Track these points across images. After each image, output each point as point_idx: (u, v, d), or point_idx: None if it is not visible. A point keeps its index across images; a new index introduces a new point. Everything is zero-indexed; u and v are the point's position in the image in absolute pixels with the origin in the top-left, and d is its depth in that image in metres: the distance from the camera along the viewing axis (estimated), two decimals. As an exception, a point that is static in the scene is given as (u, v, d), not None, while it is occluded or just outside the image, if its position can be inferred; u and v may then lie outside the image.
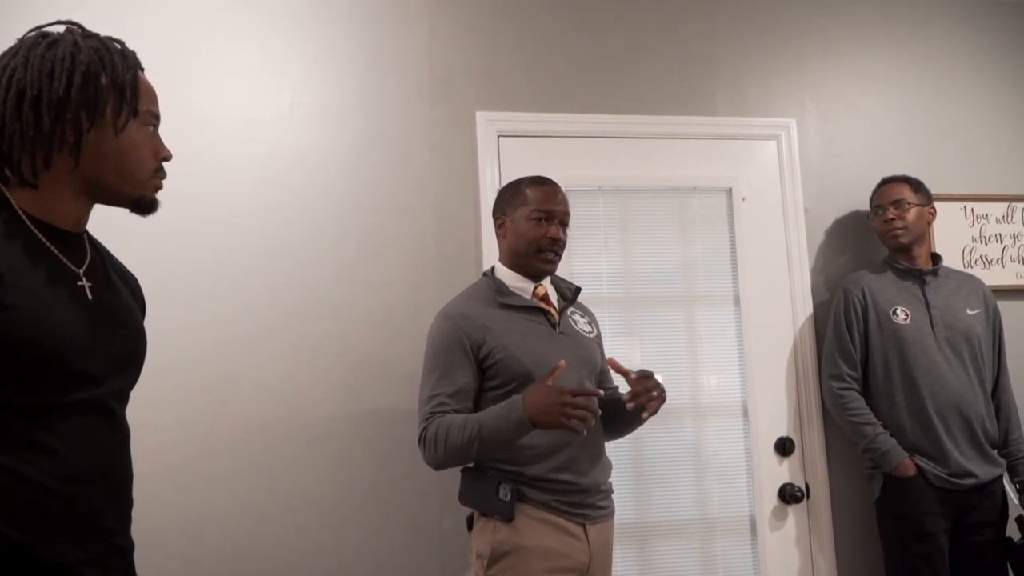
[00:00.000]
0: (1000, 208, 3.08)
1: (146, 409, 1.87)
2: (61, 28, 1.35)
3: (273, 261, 2.53)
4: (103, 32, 1.37)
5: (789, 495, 2.75)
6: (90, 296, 1.32)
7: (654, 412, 2.01)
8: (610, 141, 2.81)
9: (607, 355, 2.33)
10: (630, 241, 2.83)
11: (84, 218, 1.37)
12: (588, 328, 2.27)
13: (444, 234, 2.65)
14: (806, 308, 2.87)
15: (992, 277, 2.97)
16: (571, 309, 2.25)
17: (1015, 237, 3.08)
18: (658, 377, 2.04)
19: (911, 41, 3.11)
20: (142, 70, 1.39)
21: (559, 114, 2.77)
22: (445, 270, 2.61)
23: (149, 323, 1.50)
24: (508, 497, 1.99)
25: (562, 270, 2.25)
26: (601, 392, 1.91)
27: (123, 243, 1.62)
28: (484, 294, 2.16)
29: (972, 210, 3.05)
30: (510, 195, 2.20)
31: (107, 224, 1.55)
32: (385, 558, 2.48)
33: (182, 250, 2.46)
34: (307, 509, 2.46)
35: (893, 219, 2.72)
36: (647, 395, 1.98)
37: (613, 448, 2.31)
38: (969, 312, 2.71)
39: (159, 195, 1.40)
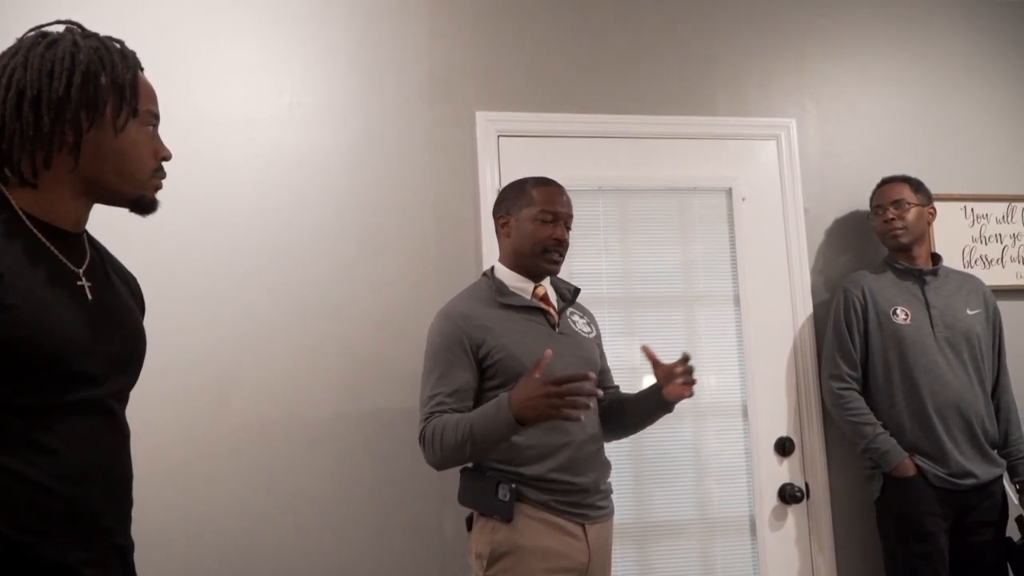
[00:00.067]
0: (1000, 208, 3.08)
1: (146, 409, 1.87)
2: (60, 28, 1.35)
3: (273, 261, 2.53)
4: (103, 32, 1.37)
5: (789, 495, 2.75)
6: (90, 296, 1.32)
7: (681, 397, 2.10)
8: (610, 141, 2.81)
9: (607, 354, 2.35)
10: (630, 241, 2.83)
11: (84, 218, 1.37)
12: (587, 329, 2.27)
13: (444, 234, 2.65)
14: (806, 308, 2.87)
15: (992, 277, 2.97)
16: (570, 310, 2.25)
17: (1015, 237, 3.08)
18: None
19: (911, 41, 3.11)
20: (142, 70, 1.39)
21: (559, 114, 2.77)
22: (445, 270, 2.61)
23: (149, 323, 1.50)
24: (507, 497, 1.99)
25: (562, 270, 2.25)
26: (592, 375, 1.84)
27: (123, 243, 1.62)
28: (484, 294, 2.16)
29: (972, 210, 3.05)
30: (515, 195, 2.20)
31: (107, 224, 1.54)
32: (385, 558, 2.48)
33: (182, 250, 2.46)
34: (307, 509, 2.46)
35: (893, 219, 2.72)
36: (686, 376, 2.07)
37: (613, 448, 2.31)
38: (969, 312, 2.71)
39: (159, 195, 1.40)
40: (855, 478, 2.77)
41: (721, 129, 2.90)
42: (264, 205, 2.55)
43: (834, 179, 2.97)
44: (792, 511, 2.77)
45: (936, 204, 2.82)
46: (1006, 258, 3.07)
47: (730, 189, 2.89)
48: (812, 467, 2.79)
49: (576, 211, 2.24)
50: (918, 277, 2.73)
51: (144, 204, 1.38)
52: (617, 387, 2.35)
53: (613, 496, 2.16)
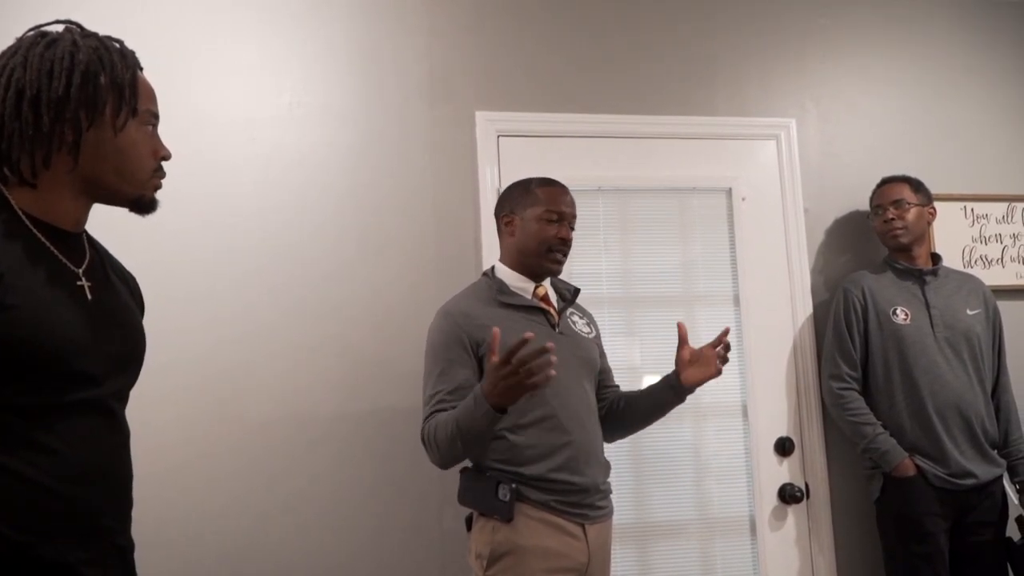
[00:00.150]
0: (1000, 208, 3.08)
1: (146, 409, 1.86)
2: (60, 27, 1.35)
3: (273, 261, 2.53)
4: (103, 32, 1.37)
5: (789, 495, 2.75)
6: (89, 296, 1.32)
7: (701, 382, 2.15)
8: (610, 141, 2.81)
9: (607, 354, 2.35)
10: (630, 241, 2.83)
11: (83, 218, 1.37)
12: (587, 329, 2.27)
13: (444, 234, 2.65)
14: (806, 308, 2.87)
15: (992, 277, 2.97)
16: (570, 310, 2.26)
17: (1015, 237, 3.08)
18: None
19: (911, 41, 3.11)
20: (141, 69, 1.39)
21: (559, 114, 2.77)
22: (445, 270, 2.61)
23: (149, 323, 1.50)
24: (507, 497, 1.99)
25: (562, 270, 2.25)
26: (530, 334, 1.75)
27: (123, 243, 1.62)
28: (484, 293, 2.17)
29: (972, 210, 3.05)
30: (519, 194, 2.20)
31: (107, 224, 1.54)
32: (385, 558, 2.48)
33: (182, 250, 2.46)
34: (307, 509, 2.46)
35: (893, 219, 2.72)
36: (723, 348, 2.13)
37: (613, 448, 2.31)
38: (969, 312, 2.71)
39: (158, 195, 1.40)
40: (855, 478, 2.77)
41: (721, 129, 2.90)
42: (264, 205, 2.55)
43: (834, 179, 2.97)
44: (792, 511, 2.77)
45: (936, 204, 2.82)
46: (1006, 258, 3.07)
47: (730, 189, 2.89)
48: (812, 467, 2.79)
49: (576, 211, 2.24)
50: (918, 277, 2.73)
51: (144, 204, 1.38)
52: (617, 387, 2.34)
53: (613, 496, 2.16)
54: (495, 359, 1.79)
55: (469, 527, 2.11)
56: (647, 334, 2.79)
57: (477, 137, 2.70)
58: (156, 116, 1.40)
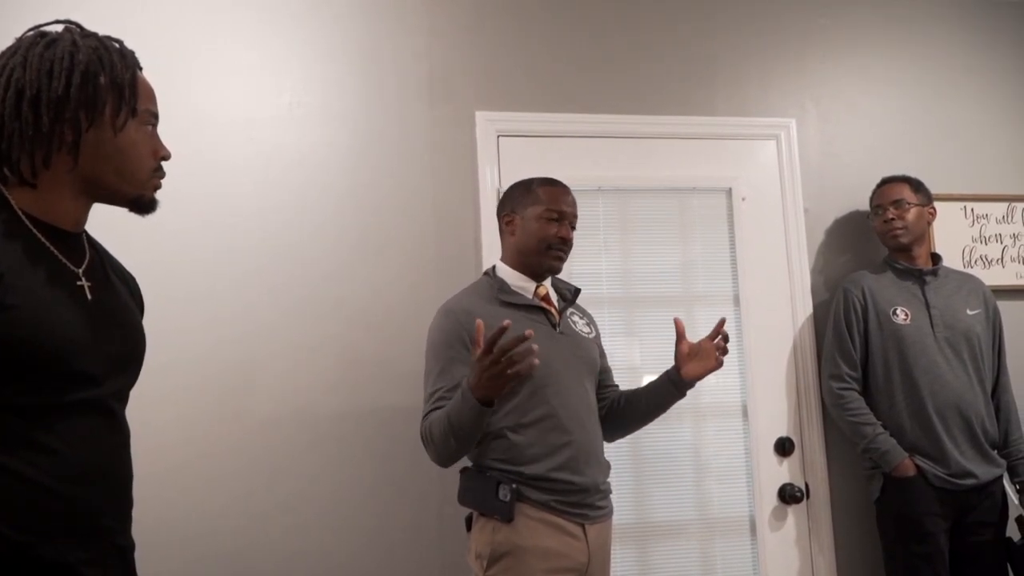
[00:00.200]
0: (1000, 208, 3.08)
1: (146, 409, 1.87)
2: (59, 27, 1.35)
3: (273, 261, 2.53)
4: (103, 32, 1.37)
5: (789, 495, 2.75)
6: (89, 296, 1.32)
7: (700, 376, 2.17)
8: (610, 141, 2.81)
9: (607, 354, 2.35)
10: (630, 241, 2.83)
11: (83, 218, 1.37)
12: (587, 329, 2.27)
13: (444, 234, 2.65)
14: (806, 308, 2.87)
15: (992, 277, 2.97)
16: (570, 310, 2.26)
17: (1015, 237, 3.08)
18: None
19: (911, 41, 3.11)
20: (141, 69, 1.39)
21: (559, 114, 2.77)
22: (445, 270, 2.61)
23: (149, 323, 1.50)
24: (508, 498, 1.99)
25: (562, 270, 2.25)
26: (508, 322, 1.76)
27: (123, 243, 1.62)
28: (485, 292, 2.17)
29: (972, 210, 3.05)
30: (520, 194, 2.21)
31: (107, 224, 1.54)
32: (385, 558, 2.48)
33: (182, 250, 2.46)
34: (307, 509, 2.46)
35: (893, 219, 2.72)
36: (722, 339, 2.15)
37: (613, 448, 2.31)
38: (969, 312, 2.71)
39: (158, 195, 1.40)
40: (855, 478, 2.77)
41: (721, 129, 2.90)
42: (264, 205, 2.55)
43: (834, 179, 2.97)
44: (792, 511, 2.77)
45: (936, 204, 2.82)
46: (1006, 258, 3.07)
47: (730, 189, 2.89)
48: (812, 467, 2.79)
49: (578, 211, 2.25)
50: (918, 277, 2.73)
51: (143, 204, 1.38)
52: (616, 386, 2.35)
53: (613, 496, 2.16)
54: (478, 350, 1.80)
55: (469, 527, 2.11)
56: (647, 334, 2.79)
57: (477, 137, 2.70)
58: (156, 116, 1.40)
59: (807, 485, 2.79)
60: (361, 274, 2.58)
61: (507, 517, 1.98)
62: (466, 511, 2.12)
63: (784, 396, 2.82)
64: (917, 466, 2.56)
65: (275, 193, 2.56)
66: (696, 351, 2.17)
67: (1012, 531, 2.65)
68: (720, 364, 2.17)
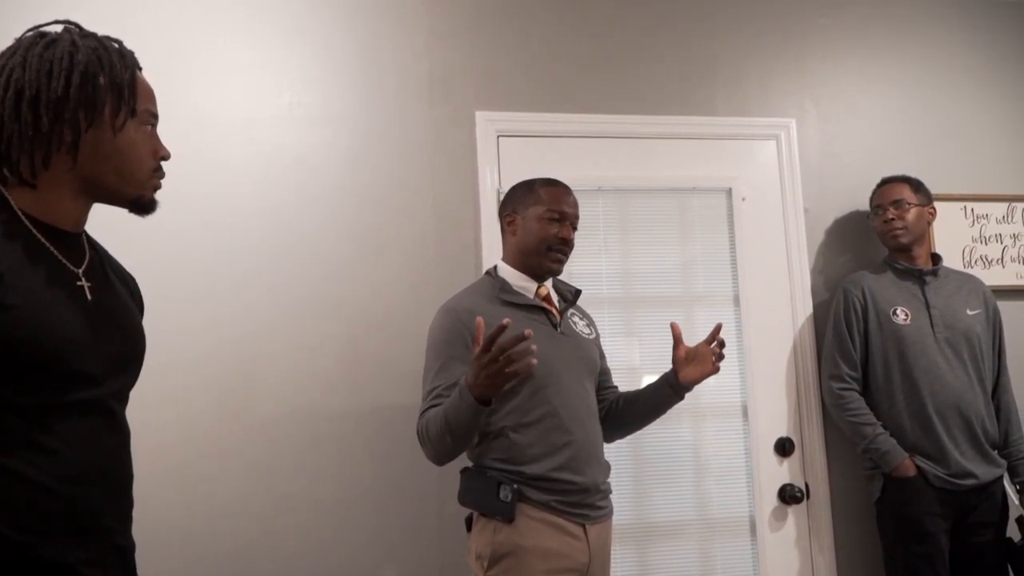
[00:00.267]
0: (1000, 208, 3.08)
1: (146, 409, 1.86)
2: (59, 28, 1.35)
3: (273, 261, 2.53)
4: (103, 32, 1.38)
5: (789, 495, 2.75)
6: (89, 296, 1.32)
7: (698, 380, 2.18)
8: (610, 141, 2.81)
9: (607, 354, 2.35)
10: (630, 241, 2.83)
11: (83, 218, 1.37)
12: (587, 330, 2.27)
13: (444, 234, 2.65)
14: (806, 308, 2.87)
15: (992, 277, 2.97)
16: (571, 311, 2.26)
17: (1015, 237, 3.08)
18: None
19: (911, 41, 3.11)
20: (140, 69, 1.39)
21: (559, 114, 2.77)
22: (445, 270, 2.61)
23: (149, 323, 1.50)
24: (509, 498, 1.99)
25: (562, 270, 2.25)
26: (508, 320, 1.77)
27: (123, 243, 1.62)
28: (487, 291, 2.17)
29: (972, 210, 3.05)
30: (522, 194, 2.21)
31: (107, 224, 1.54)
32: (385, 558, 2.48)
33: (182, 250, 2.46)
34: (307, 509, 2.45)
35: (893, 219, 2.72)
36: (718, 346, 2.16)
37: (613, 448, 2.31)
38: (969, 312, 2.71)
39: (158, 195, 1.40)
40: (855, 478, 2.77)
41: (721, 129, 2.90)
42: (264, 205, 2.55)
43: (834, 179, 2.97)
44: (792, 511, 2.77)
45: (936, 204, 2.82)
46: (1006, 258, 3.07)
47: (730, 189, 2.89)
48: (812, 467, 2.79)
49: (579, 212, 2.25)
50: (918, 277, 2.73)
51: (143, 204, 1.38)
52: (616, 387, 2.35)
53: (613, 496, 2.16)
54: (477, 348, 1.80)
55: (469, 527, 2.10)
56: (647, 334, 2.78)
57: (477, 137, 2.70)
58: (155, 116, 1.40)
59: (807, 485, 2.78)
60: (361, 274, 2.58)
61: (508, 517, 1.98)
62: (466, 511, 2.12)
63: (784, 396, 2.82)
64: (917, 466, 2.56)
65: (275, 193, 2.56)
66: (693, 355, 2.17)
67: (1012, 531, 2.65)
68: (717, 370, 2.17)
